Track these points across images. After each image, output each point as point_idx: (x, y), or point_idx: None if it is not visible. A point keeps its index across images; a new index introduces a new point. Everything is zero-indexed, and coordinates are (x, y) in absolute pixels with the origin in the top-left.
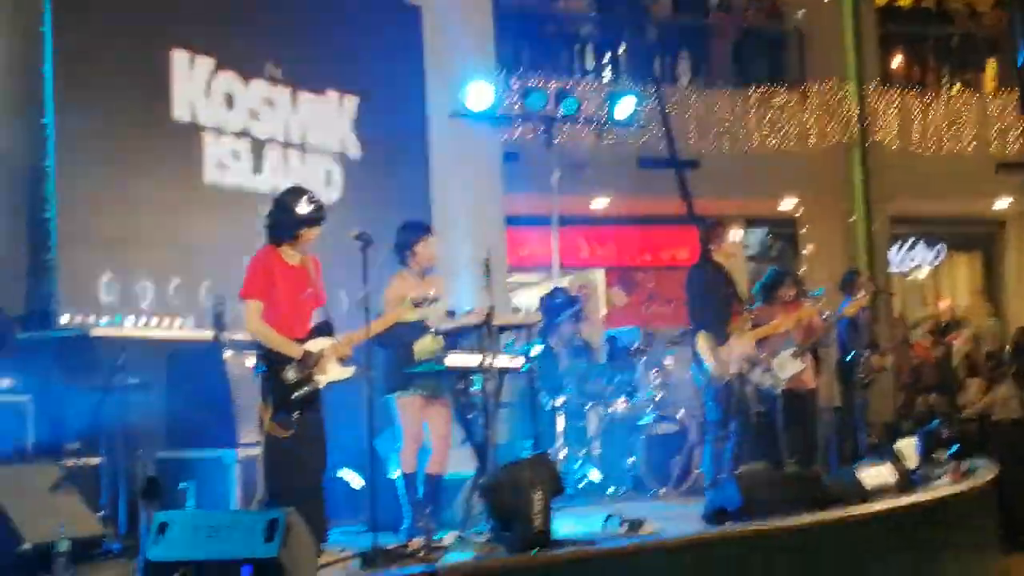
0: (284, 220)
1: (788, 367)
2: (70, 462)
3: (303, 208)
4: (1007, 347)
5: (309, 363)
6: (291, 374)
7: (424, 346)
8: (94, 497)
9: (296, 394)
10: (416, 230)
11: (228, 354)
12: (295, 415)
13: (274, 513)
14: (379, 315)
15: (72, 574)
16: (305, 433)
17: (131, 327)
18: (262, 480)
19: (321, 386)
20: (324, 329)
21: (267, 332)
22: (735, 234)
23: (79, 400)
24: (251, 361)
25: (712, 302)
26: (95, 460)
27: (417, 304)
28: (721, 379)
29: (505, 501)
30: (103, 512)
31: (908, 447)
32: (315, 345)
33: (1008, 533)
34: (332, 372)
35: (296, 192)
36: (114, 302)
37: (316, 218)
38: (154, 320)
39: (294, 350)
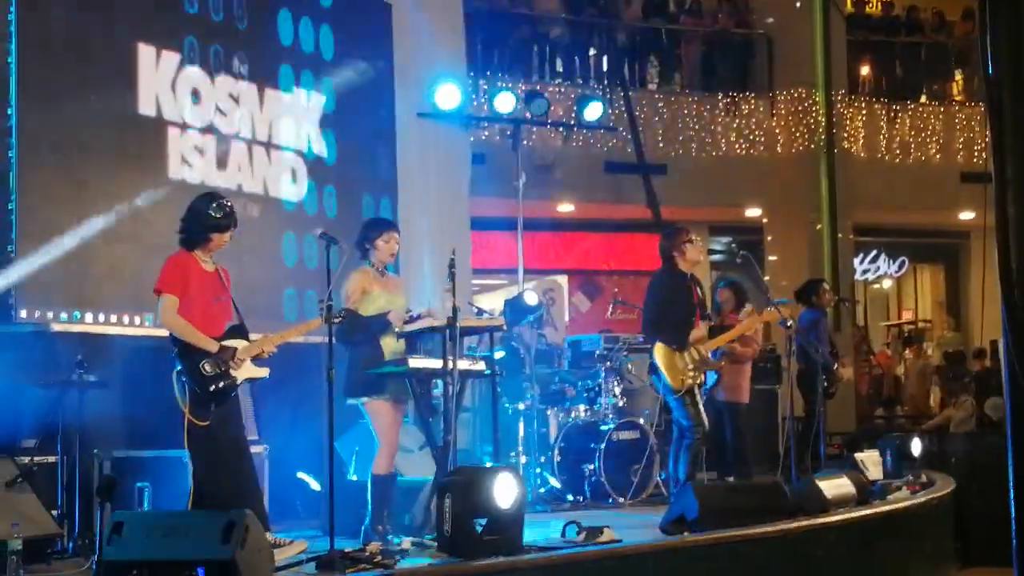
0: (196, 225)
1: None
2: (26, 459)
3: (214, 213)
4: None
5: (225, 358)
6: (208, 367)
7: (389, 347)
8: (50, 495)
9: (213, 387)
10: (380, 225)
11: None
12: (212, 407)
13: (232, 515)
14: (341, 310)
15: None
16: (226, 430)
17: (90, 323)
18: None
19: (238, 382)
20: (238, 331)
21: (182, 324)
22: (699, 241)
23: (36, 396)
24: None
25: (672, 310)
26: (51, 458)
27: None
28: (679, 388)
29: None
30: (58, 511)
31: (868, 458)
32: (230, 343)
33: (964, 546)
34: (246, 370)
35: (208, 197)
36: (74, 298)
37: (226, 224)
38: (114, 317)
39: (210, 344)
